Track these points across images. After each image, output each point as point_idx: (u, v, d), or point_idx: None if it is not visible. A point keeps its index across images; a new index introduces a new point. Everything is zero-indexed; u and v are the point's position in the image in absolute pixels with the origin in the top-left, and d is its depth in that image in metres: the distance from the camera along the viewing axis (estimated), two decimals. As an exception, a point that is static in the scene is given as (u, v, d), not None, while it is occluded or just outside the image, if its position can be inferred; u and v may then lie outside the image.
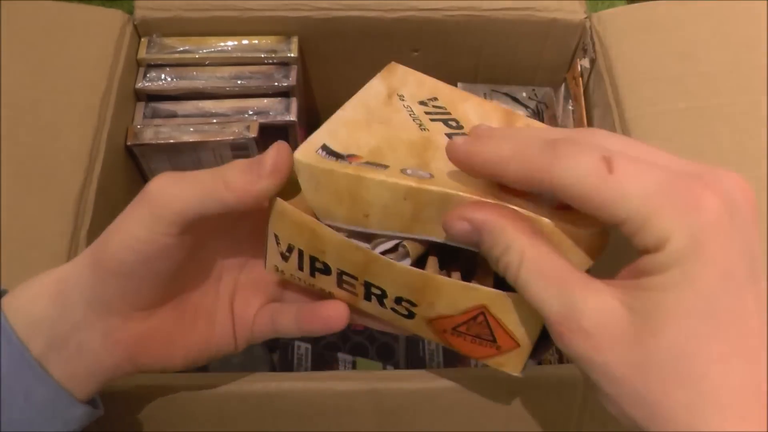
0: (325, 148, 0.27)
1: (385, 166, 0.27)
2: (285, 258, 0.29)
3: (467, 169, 0.25)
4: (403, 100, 0.31)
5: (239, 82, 0.52)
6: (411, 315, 0.29)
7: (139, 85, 0.52)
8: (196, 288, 0.31)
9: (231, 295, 0.32)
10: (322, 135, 0.28)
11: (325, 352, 0.52)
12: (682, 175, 0.22)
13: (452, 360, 0.52)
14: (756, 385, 0.21)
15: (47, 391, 0.28)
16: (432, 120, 0.30)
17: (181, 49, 0.53)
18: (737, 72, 0.47)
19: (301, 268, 0.29)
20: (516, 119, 0.31)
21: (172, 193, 0.26)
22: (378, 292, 0.28)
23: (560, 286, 0.23)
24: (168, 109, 0.52)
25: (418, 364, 0.52)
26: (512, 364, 0.28)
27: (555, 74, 0.58)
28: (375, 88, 0.31)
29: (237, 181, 0.26)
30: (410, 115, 0.30)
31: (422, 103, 0.31)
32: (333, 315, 0.30)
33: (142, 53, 0.52)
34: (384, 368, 0.52)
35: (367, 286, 0.28)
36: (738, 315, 0.21)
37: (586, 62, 0.53)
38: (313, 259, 0.29)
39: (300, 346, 0.52)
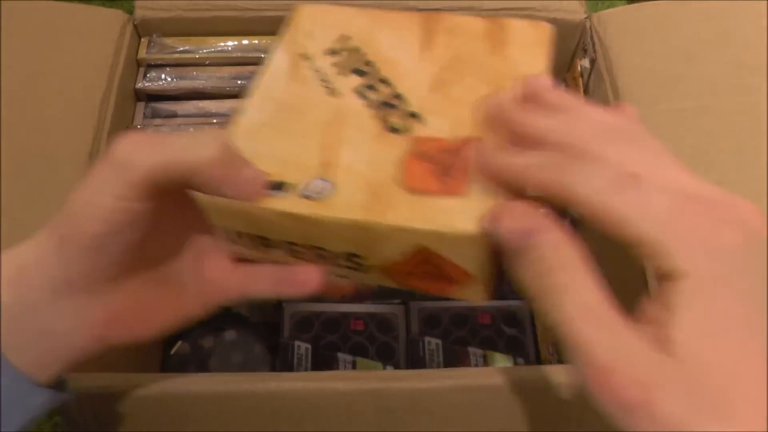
0: None
1: (286, 186, 0.26)
2: (236, 241, 0.30)
3: (492, 177, 0.25)
4: (308, 59, 0.30)
5: (239, 82, 0.52)
6: (364, 268, 0.28)
7: (139, 85, 0.52)
8: (163, 255, 0.31)
9: (199, 258, 0.32)
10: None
11: (325, 352, 0.52)
12: (698, 200, 0.22)
13: (452, 360, 0.52)
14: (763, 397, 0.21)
15: (4, 378, 0.27)
16: (341, 74, 0.30)
17: (181, 49, 0.53)
18: (737, 72, 0.47)
19: (253, 247, 0.30)
20: (437, 21, 0.31)
21: (140, 157, 0.25)
22: (326, 254, 0.28)
23: (610, 329, 0.21)
24: (168, 109, 0.52)
25: (418, 364, 0.52)
26: (474, 293, 0.28)
27: (555, 74, 0.57)
28: (277, 63, 0.31)
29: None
30: (319, 78, 0.30)
31: (332, 52, 0.31)
32: (307, 279, 0.29)
33: (142, 53, 0.52)
34: (384, 368, 0.52)
35: (315, 250, 0.28)
36: (759, 339, 0.21)
37: (586, 62, 0.53)
38: (259, 237, 0.29)
39: (300, 346, 0.52)
